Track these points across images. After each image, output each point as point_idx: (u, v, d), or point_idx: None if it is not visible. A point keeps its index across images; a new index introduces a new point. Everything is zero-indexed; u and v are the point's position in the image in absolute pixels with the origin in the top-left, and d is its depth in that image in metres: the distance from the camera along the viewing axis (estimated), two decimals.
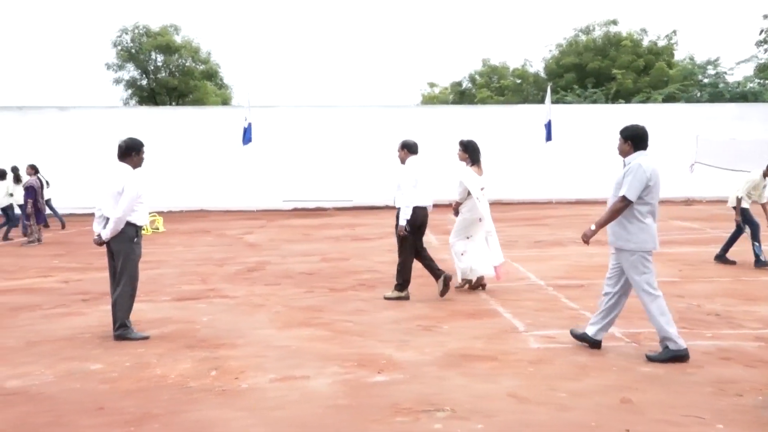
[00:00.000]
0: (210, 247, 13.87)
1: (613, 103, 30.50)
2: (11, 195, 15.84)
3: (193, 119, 24.01)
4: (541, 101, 27.46)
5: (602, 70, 34.52)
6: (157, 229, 17.04)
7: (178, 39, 38.59)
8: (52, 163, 21.04)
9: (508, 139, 23.65)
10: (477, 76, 42.04)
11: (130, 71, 39.04)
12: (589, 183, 22.65)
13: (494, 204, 23.48)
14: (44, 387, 5.24)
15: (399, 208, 7.97)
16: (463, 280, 8.68)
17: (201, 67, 39.60)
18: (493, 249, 8.42)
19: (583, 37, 37.01)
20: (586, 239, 5.80)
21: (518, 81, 39.59)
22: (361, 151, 23.34)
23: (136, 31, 37.93)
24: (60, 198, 19.09)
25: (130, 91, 39.80)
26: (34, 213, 14.28)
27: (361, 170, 23.26)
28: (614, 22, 36.63)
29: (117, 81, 39.26)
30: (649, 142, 5.76)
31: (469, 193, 8.36)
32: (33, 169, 15.19)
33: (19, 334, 6.87)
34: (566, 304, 7.82)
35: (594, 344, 5.92)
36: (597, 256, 10.81)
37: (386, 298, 8.24)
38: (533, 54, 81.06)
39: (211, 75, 40.62)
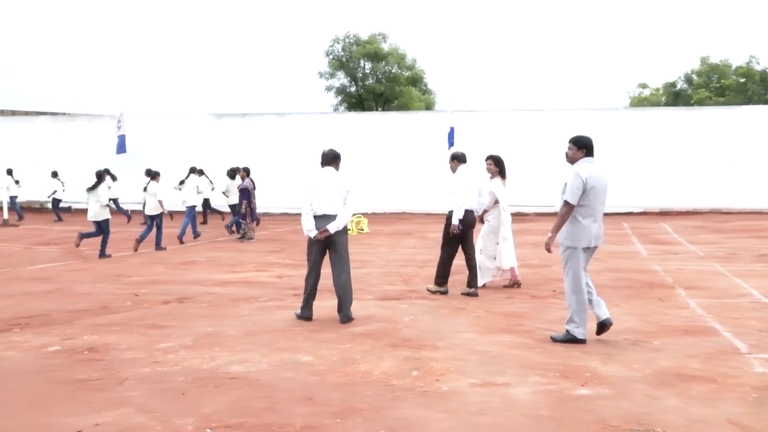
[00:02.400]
0: (412, 248, 14.17)
1: None
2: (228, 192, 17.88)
3: (398, 124, 24.72)
4: None
5: None
6: (362, 230, 17.71)
7: (385, 47, 39.94)
8: (269, 165, 22.67)
9: (729, 142, 21.83)
10: (694, 76, 39.33)
11: (340, 79, 41.02)
12: None
13: (714, 213, 21.81)
14: (260, 374, 5.61)
15: (451, 211, 8.81)
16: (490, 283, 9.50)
17: (406, 74, 40.67)
18: (507, 253, 9.34)
19: None
20: (548, 247, 6.50)
21: (742, 80, 36.46)
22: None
23: (347, 40, 39.79)
24: (275, 198, 20.49)
25: (339, 98, 41.83)
26: (248, 212, 15.49)
27: (561, 175, 22.61)
28: None
29: (328, 88, 41.44)
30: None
31: (496, 202, 9.31)
32: (246, 172, 16.45)
33: (239, 323, 7.44)
34: None
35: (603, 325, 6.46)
36: None
37: (428, 291, 9.09)
38: (760, 50, 74.32)
39: (416, 81, 41.57)
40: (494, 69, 73.38)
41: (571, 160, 6.49)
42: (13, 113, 32.57)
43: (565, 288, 6.47)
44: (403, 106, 39.00)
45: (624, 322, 7.25)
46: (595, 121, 22.91)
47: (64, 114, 31.74)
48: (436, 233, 16.94)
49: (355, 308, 8.12)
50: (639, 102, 45.08)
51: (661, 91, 43.48)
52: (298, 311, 7.64)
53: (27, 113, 32.58)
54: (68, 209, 23.43)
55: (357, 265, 11.42)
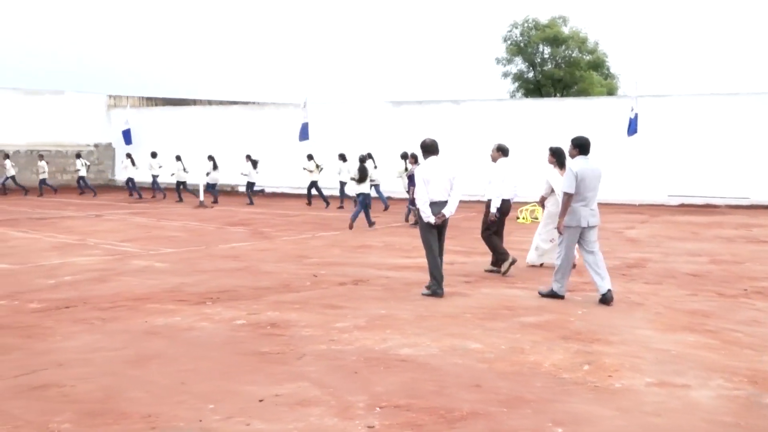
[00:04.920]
0: None
1: None
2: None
3: (577, 110, 23.93)
4: None
5: None
6: (537, 218, 17.41)
7: (565, 30, 38.79)
8: (445, 152, 22.78)
9: None
10: None
11: (518, 64, 40.39)
12: None
13: None
14: (430, 358, 5.71)
15: (490, 199, 9.60)
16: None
17: (587, 58, 39.28)
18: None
19: None
20: (559, 229, 7.75)
21: None
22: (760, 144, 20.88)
23: (526, 25, 39.06)
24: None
25: (516, 84, 41.20)
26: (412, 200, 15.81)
27: (760, 164, 20.83)
28: None
29: (505, 74, 40.96)
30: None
31: (552, 191, 9.74)
32: (414, 159, 16.71)
33: (411, 307, 7.60)
34: None
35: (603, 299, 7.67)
36: None
37: (502, 274, 9.53)
38: None
39: (598, 65, 40.05)
40: (683, 50, 68.91)
41: (570, 156, 7.92)
42: (210, 103, 35.22)
43: (558, 255, 7.84)
44: (583, 92, 37.68)
45: None
46: None
47: (253, 103, 33.87)
48: (615, 224, 16.30)
49: (526, 297, 8.05)
50: None
51: None
52: (434, 290, 8.10)
53: (221, 102, 35.12)
54: (261, 192, 24.86)
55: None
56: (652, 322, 6.95)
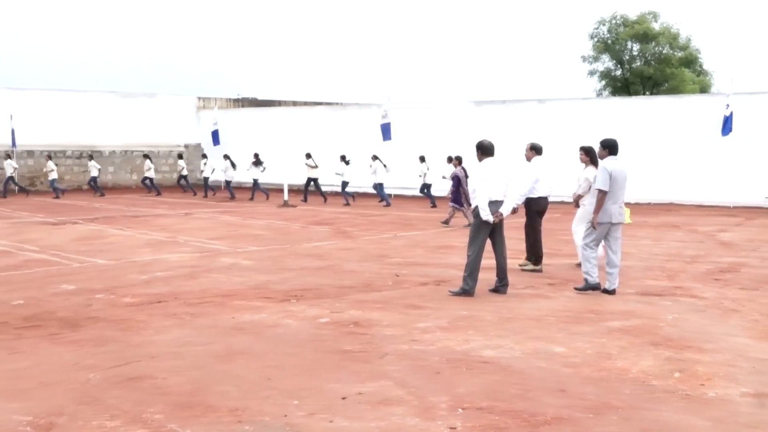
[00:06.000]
0: (679, 242, 13.24)
1: None
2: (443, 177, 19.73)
3: (667, 109, 23.11)
4: None
5: None
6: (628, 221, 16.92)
7: (656, 26, 37.61)
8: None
9: None
10: None
11: (605, 62, 39.44)
12: None
13: None
14: (513, 361, 5.64)
15: (529, 198, 9.93)
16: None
17: (679, 54, 37.96)
18: None
19: None
20: (594, 225, 8.13)
21: None
22: None
23: (614, 21, 38.09)
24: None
25: (603, 82, 40.23)
26: (454, 199, 16.26)
27: None
28: None
29: (591, 73, 40.05)
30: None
31: (590, 188, 9.38)
32: (458, 161, 16.95)
33: (494, 309, 7.52)
34: None
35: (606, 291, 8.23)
36: None
37: (523, 270, 9.79)
38: None
39: (690, 62, 38.64)
40: None
41: (600, 157, 8.45)
42: (294, 104, 35.89)
43: (581, 246, 8.49)
44: (674, 90, 36.42)
45: None
46: None
47: (337, 103, 34.27)
48: (707, 226, 15.68)
49: (613, 300, 7.86)
50: None
51: None
52: (467, 289, 8.12)
53: (305, 103, 35.72)
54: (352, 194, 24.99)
55: None
56: (749, 329, 6.65)
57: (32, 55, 75.24)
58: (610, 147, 8.32)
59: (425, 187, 22.17)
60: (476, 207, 8.16)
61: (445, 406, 4.61)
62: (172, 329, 6.72)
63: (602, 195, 8.09)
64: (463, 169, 16.52)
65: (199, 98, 33.39)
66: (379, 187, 22.27)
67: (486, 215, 8.06)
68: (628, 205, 18.25)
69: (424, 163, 21.92)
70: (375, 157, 22.38)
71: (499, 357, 5.74)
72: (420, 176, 22.03)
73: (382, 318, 7.06)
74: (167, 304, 7.78)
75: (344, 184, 22.95)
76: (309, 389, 4.96)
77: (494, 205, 8.15)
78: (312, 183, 23.60)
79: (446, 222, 16.28)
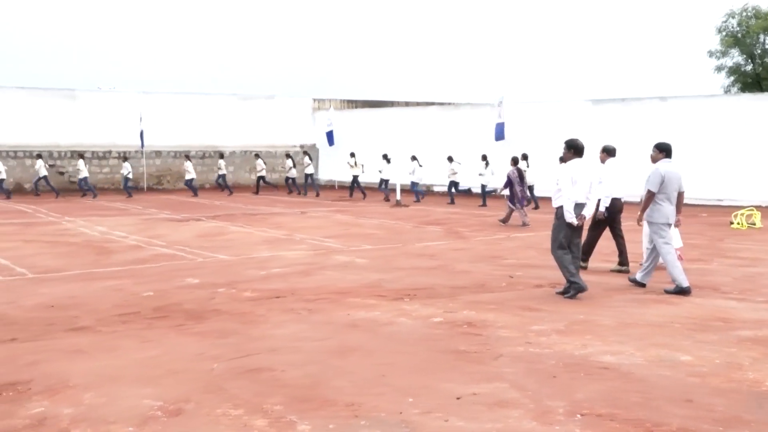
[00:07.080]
0: None
1: None
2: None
3: None
4: None
5: None
6: (754, 224, 15.96)
7: None
8: (647, 152, 21.56)
9: None
10: None
11: (734, 57, 37.35)
12: None
13: None
14: (634, 368, 5.43)
15: (599, 199, 9.33)
16: None
17: None
18: (676, 235, 9.07)
19: None
20: (639, 221, 8.62)
21: None
22: None
23: (744, 14, 36.02)
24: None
25: (732, 78, 38.12)
26: (509, 198, 16.08)
27: None
28: None
29: (719, 68, 38.02)
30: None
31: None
32: (514, 162, 16.86)
33: (612, 313, 7.28)
34: None
35: (640, 285, 8.64)
36: None
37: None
38: None
39: None
40: None
41: (653, 160, 8.65)
42: (407, 104, 36.09)
43: (661, 254, 8.40)
44: None
45: None
46: None
47: (450, 104, 34.19)
48: None
49: (743, 309, 7.44)
50: None
51: None
52: (577, 287, 7.98)
53: (418, 103, 35.85)
54: (467, 191, 24.90)
55: (745, 263, 10.40)
56: None
57: (160, 60, 79.53)
58: (666, 150, 8.60)
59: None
60: (560, 207, 8.03)
61: (563, 411, 4.50)
62: (290, 324, 6.91)
63: (650, 195, 8.34)
64: (518, 170, 16.31)
65: (315, 99, 34.17)
66: (414, 185, 23.44)
67: (570, 218, 7.93)
68: (758, 208, 17.25)
69: (453, 163, 23.05)
70: (414, 158, 23.46)
71: (620, 363, 5.54)
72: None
73: (496, 319, 6.98)
74: (285, 300, 8.01)
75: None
76: (423, 388, 4.97)
77: (577, 207, 8.03)
78: (354, 180, 25.00)
79: (504, 220, 16.23)
